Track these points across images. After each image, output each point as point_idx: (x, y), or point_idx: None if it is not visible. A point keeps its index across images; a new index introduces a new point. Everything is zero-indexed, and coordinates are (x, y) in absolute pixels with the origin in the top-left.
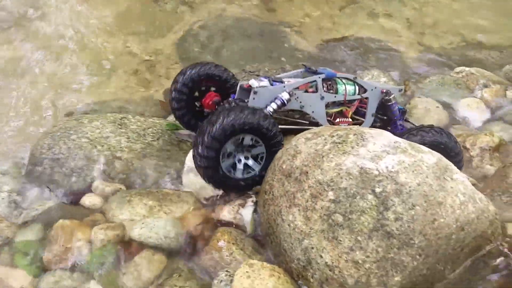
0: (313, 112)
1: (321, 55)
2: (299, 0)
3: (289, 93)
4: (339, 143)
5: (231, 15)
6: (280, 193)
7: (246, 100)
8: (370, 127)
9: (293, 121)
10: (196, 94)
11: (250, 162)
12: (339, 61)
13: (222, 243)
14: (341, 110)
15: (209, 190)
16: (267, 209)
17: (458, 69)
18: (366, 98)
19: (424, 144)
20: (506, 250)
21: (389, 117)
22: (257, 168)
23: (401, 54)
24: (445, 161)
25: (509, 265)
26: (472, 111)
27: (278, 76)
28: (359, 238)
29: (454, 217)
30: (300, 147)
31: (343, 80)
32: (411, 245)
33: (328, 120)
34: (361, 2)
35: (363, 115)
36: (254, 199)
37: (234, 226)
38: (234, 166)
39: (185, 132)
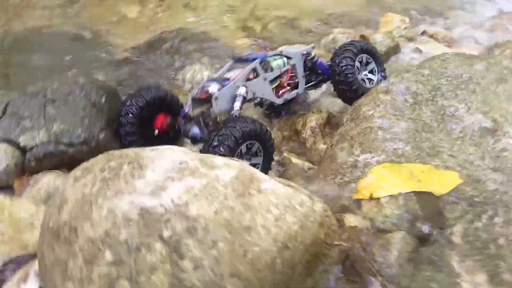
0: (263, 94)
1: (140, 59)
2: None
3: (244, 86)
4: (110, 179)
5: (32, 24)
6: (51, 262)
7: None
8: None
9: None
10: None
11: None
12: (162, 66)
13: None
14: (278, 83)
15: None
16: (44, 284)
17: (280, 48)
18: (294, 64)
19: (361, 50)
20: (344, 245)
21: (319, 73)
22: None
23: (225, 43)
24: (249, 170)
25: (355, 261)
26: None
27: (217, 75)
28: None
29: (271, 238)
30: (67, 193)
31: (273, 57)
32: None
33: None
34: None
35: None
36: (36, 269)
37: None
38: None
39: None
